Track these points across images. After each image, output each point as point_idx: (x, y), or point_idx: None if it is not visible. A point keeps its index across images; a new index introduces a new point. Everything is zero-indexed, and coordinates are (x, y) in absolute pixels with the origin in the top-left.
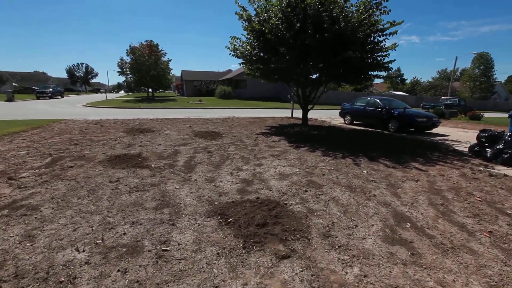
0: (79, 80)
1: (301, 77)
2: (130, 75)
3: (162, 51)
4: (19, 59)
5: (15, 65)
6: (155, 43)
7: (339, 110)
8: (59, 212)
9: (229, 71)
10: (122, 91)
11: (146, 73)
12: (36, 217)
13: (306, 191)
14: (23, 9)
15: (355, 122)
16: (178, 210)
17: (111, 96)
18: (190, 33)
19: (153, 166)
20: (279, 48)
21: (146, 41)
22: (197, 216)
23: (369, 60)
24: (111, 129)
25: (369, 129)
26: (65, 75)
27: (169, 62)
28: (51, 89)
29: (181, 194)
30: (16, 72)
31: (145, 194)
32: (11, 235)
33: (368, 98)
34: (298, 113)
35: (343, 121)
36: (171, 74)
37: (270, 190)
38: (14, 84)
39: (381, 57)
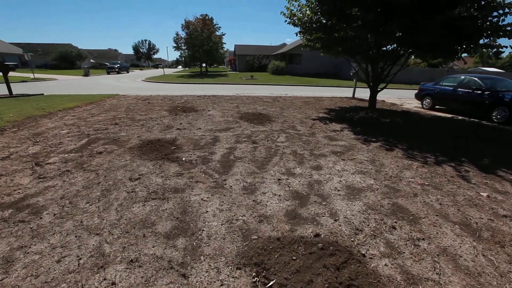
0: (143, 56)
1: (374, 48)
2: (186, 50)
3: (216, 25)
4: (96, 38)
5: (92, 44)
6: (210, 17)
7: (416, 91)
8: (58, 222)
9: (283, 45)
10: (180, 66)
11: (199, 48)
12: (31, 228)
13: (393, 227)
14: None
15: (437, 106)
16: (197, 245)
17: (169, 71)
18: (245, 7)
19: (184, 159)
20: (349, 10)
21: (201, 15)
22: (221, 263)
23: (481, 23)
24: (156, 107)
25: (459, 118)
26: (131, 52)
27: (223, 36)
28: (118, 65)
29: (207, 211)
30: (94, 50)
31: (163, 205)
32: None
33: (462, 77)
34: (361, 93)
35: (420, 105)
36: (224, 49)
37: (336, 220)
38: (91, 60)
39: (497, 18)
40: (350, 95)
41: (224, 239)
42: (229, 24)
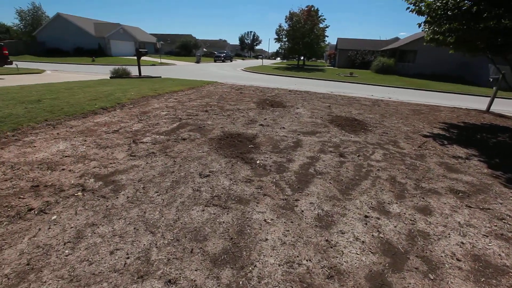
0: (246, 47)
1: None
2: (286, 42)
3: (321, 17)
4: (210, 29)
5: (207, 34)
6: (315, 8)
7: None
8: (127, 207)
9: (396, 39)
10: (278, 58)
11: (300, 40)
12: (107, 206)
13: None
14: None
15: None
16: (243, 287)
17: (267, 62)
18: None
19: (258, 162)
20: None
21: (306, 6)
22: None
23: None
24: (246, 98)
25: None
26: (237, 42)
27: (326, 29)
28: (224, 54)
29: (266, 239)
30: (207, 40)
31: (221, 216)
32: (72, 226)
33: None
34: (500, 106)
35: None
36: (325, 42)
37: None
38: (204, 49)
39: None
40: (482, 107)
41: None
42: (334, 16)
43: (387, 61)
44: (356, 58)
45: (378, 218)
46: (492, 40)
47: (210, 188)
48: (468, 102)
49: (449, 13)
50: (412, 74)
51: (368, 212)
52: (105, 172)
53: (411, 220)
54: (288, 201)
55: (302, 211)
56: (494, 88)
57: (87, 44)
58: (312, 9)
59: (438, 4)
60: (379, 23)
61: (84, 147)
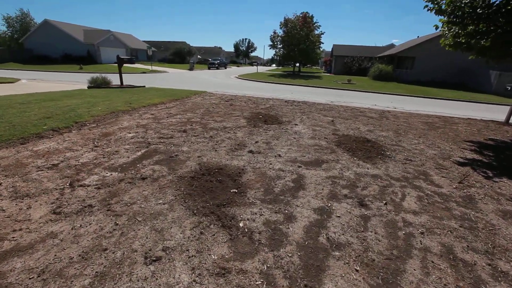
0: (241, 54)
1: None
2: (281, 49)
3: (316, 23)
4: (204, 36)
5: (202, 42)
6: (310, 15)
7: None
8: None
9: (392, 46)
10: (274, 65)
11: (295, 47)
12: None
13: None
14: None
15: None
16: None
17: (262, 69)
18: (346, 4)
19: (241, 225)
20: None
21: (301, 13)
22: None
23: None
24: (236, 111)
25: None
26: (232, 49)
27: (321, 35)
28: (218, 61)
29: None
30: (202, 47)
31: None
32: None
33: None
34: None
35: None
36: (321, 49)
37: None
38: (198, 56)
39: None
40: (497, 116)
41: None
42: (328, 23)
43: (385, 67)
44: (353, 65)
45: None
46: None
47: None
48: (479, 111)
49: (478, 10)
50: (410, 81)
51: None
52: None
53: None
54: None
55: None
56: None
57: (75, 51)
58: (307, 15)
59: (465, 1)
60: (372, 30)
61: None
